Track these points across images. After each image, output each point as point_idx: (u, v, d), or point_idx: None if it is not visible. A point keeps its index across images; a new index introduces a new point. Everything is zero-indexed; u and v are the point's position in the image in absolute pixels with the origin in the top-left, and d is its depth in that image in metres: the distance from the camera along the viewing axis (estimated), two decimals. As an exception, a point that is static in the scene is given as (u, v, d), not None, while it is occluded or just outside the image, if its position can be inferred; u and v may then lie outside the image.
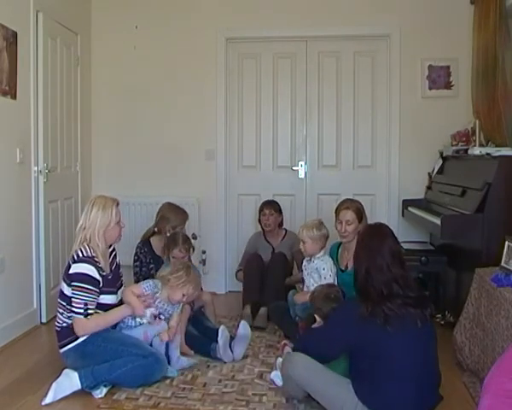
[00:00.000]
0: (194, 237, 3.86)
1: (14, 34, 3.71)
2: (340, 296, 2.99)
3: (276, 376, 2.97)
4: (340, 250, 3.69)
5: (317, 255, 3.53)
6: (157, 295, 3.08)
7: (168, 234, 3.80)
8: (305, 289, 3.57)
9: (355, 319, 2.35)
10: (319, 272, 3.47)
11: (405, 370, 2.30)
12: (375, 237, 2.50)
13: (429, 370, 2.39)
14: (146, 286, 3.07)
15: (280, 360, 3.12)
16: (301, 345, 2.65)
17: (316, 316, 2.93)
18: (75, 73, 4.67)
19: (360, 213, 3.54)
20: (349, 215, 3.53)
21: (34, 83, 3.97)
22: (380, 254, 2.41)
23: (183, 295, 3.09)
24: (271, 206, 4.40)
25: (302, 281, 3.72)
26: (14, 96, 3.73)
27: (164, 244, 3.76)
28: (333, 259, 3.60)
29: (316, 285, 3.37)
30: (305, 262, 3.63)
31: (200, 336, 3.47)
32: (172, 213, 3.92)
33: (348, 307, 2.52)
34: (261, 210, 4.42)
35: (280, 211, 4.44)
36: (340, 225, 3.56)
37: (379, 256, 2.41)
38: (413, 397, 2.32)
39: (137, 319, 3.06)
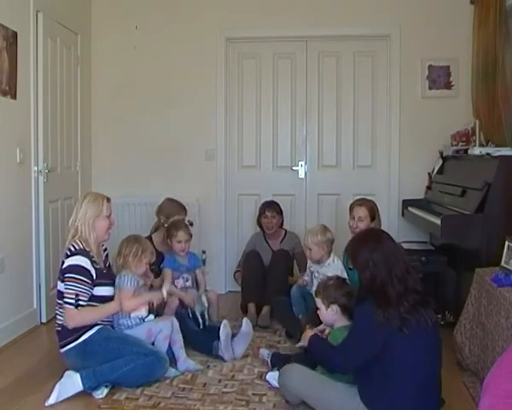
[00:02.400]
0: (191, 224, 3.96)
1: (14, 34, 3.71)
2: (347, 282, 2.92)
3: (271, 377, 2.97)
4: None
5: (328, 261, 3.57)
6: (140, 283, 3.13)
7: (163, 224, 3.94)
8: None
9: (374, 324, 2.30)
10: None
11: (415, 373, 2.29)
12: (381, 238, 2.48)
13: (435, 373, 2.38)
14: (129, 283, 3.05)
15: (262, 350, 3.22)
16: (331, 363, 2.53)
17: (322, 308, 2.83)
18: (75, 73, 4.67)
19: (373, 213, 3.58)
20: (361, 212, 3.59)
21: (34, 83, 3.97)
22: (395, 252, 2.42)
23: (146, 264, 3.16)
24: (273, 208, 4.39)
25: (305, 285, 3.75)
26: (14, 96, 3.73)
27: (164, 235, 3.84)
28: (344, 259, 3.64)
29: None
30: (313, 266, 3.66)
31: (201, 333, 3.47)
32: (168, 204, 4.05)
33: (364, 313, 2.39)
34: (262, 212, 4.41)
35: (281, 212, 4.44)
36: (353, 221, 3.62)
37: (396, 255, 2.42)
38: (419, 400, 2.31)
39: (132, 317, 3.07)
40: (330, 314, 2.76)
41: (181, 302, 3.55)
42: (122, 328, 3.08)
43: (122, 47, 4.99)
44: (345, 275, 3.42)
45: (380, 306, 2.30)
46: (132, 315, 3.08)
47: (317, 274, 3.61)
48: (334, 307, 2.75)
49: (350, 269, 2.58)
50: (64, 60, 4.43)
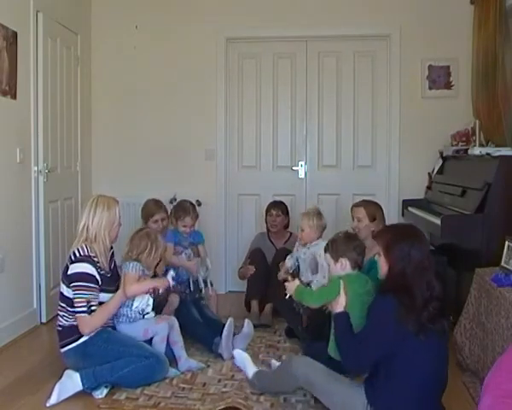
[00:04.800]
0: (199, 204, 3.96)
1: (14, 34, 3.71)
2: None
3: (239, 355, 3.05)
4: None
5: (314, 242, 3.59)
6: (144, 270, 3.11)
7: (143, 224, 3.89)
8: (302, 277, 3.60)
9: (394, 320, 2.24)
10: (315, 258, 3.52)
11: (423, 379, 2.27)
12: (423, 239, 2.44)
13: (443, 381, 2.37)
14: (133, 269, 3.04)
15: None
16: (345, 353, 2.43)
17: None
18: (75, 73, 4.67)
19: (372, 214, 3.57)
20: (359, 212, 3.60)
21: (34, 83, 3.97)
22: (429, 257, 2.38)
23: (157, 259, 3.18)
24: (279, 207, 4.40)
25: (292, 270, 3.74)
26: (14, 96, 3.73)
27: (170, 213, 3.86)
28: None
29: (311, 273, 3.49)
30: (300, 249, 3.67)
31: (204, 326, 3.49)
32: (148, 205, 3.97)
33: (386, 306, 2.30)
34: (268, 210, 4.42)
35: (287, 213, 4.45)
36: (353, 222, 3.64)
37: (429, 259, 2.38)
38: (424, 406, 2.30)
39: (134, 308, 3.06)
40: (339, 268, 2.66)
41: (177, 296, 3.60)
42: (122, 320, 3.06)
43: (122, 47, 4.99)
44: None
45: (403, 305, 2.24)
46: (134, 308, 3.06)
47: (303, 255, 3.62)
48: (344, 261, 2.65)
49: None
50: (64, 60, 4.43)
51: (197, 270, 3.68)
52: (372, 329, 2.33)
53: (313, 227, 3.59)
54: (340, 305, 2.52)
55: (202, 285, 3.66)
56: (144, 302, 3.09)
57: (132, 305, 3.07)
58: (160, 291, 3.11)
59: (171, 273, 3.16)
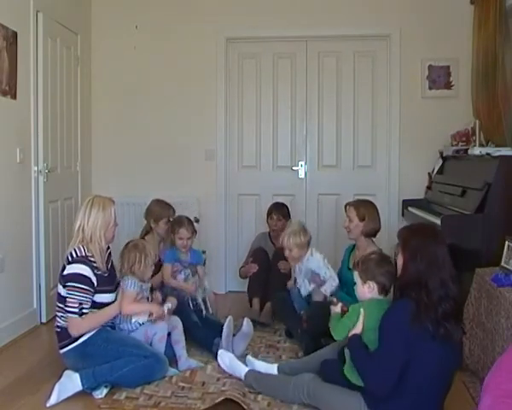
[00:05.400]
0: (197, 221, 3.96)
1: (14, 34, 3.71)
2: (391, 257, 2.79)
3: (224, 355, 3.03)
4: (354, 250, 3.73)
5: (307, 256, 3.60)
6: (142, 286, 3.13)
7: (153, 225, 3.93)
8: (301, 288, 3.61)
9: (407, 327, 2.23)
10: (315, 272, 3.52)
11: (427, 383, 2.26)
12: (433, 235, 2.43)
13: (450, 383, 2.37)
14: (132, 286, 3.06)
15: (249, 357, 3.10)
16: (365, 376, 2.38)
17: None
18: (75, 73, 4.67)
19: (362, 214, 3.58)
20: (350, 212, 3.63)
21: (34, 83, 3.97)
22: (444, 256, 2.36)
23: (152, 266, 3.20)
24: (280, 211, 4.37)
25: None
26: (14, 96, 3.73)
27: (167, 229, 3.88)
28: (345, 258, 3.73)
29: (313, 286, 3.48)
30: (296, 266, 3.66)
31: (203, 327, 3.48)
32: (156, 206, 4.01)
33: (398, 315, 2.31)
34: (269, 213, 4.41)
35: (288, 216, 4.42)
36: (345, 221, 3.67)
37: (445, 259, 2.35)
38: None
39: (133, 321, 3.08)
40: (366, 291, 2.58)
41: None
42: (124, 333, 3.08)
43: (122, 47, 4.99)
44: (323, 266, 3.53)
45: (420, 302, 2.24)
46: (133, 320, 3.09)
47: (298, 271, 3.63)
48: (372, 284, 2.57)
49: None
50: (64, 60, 4.43)
51: (195, 290, 3.63)
52: (386, 347, 2.30)
53: (300, 245, 3.58)
54: (355, 330, 2.49)
55: (202, 307, 3.61)
56: (142, 318, 3.11)
57: (131, 320, 3.09)
58: (153, 317, 3.09)
59: (168, 305, 3.17)
